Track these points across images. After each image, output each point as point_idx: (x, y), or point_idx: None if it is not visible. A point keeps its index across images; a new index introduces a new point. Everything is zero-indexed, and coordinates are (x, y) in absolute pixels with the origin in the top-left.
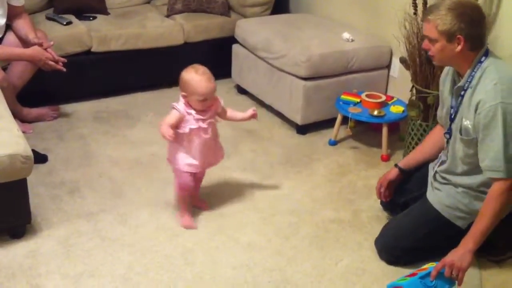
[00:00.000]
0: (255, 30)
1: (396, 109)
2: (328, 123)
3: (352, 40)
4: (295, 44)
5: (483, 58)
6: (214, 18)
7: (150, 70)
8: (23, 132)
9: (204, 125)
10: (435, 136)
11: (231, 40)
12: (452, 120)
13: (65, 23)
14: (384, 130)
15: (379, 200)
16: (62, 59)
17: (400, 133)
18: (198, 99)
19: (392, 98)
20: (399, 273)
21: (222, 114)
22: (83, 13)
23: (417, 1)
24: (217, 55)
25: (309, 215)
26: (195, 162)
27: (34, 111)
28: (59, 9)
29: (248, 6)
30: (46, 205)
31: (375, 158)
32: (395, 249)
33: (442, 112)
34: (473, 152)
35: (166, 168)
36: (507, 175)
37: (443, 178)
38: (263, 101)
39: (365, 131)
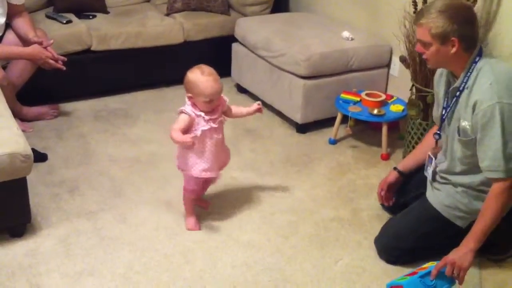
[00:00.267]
0: (255, 29)
1: (396, 108)
2: (328, 122)
3: (352, 39)
4: (295, 43)
5: (477, 58)
6: (214, 16)
7: (150, 68)
8: (23, 131)
9: (215, 125)
10: (431, 137)
11: (231, 39)
12: (443, 121)
13: (65, 21)
14: (384, 129)
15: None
16: (62, 57)
17: (400, 132)
18: (204, 100)
19: (392, 97)
20: (398, 272)
21: (228, 113)
22: (83, 12)
23: (417, 0)
24: (216, 54)
25: (309, 214)
26: (209, 166)
27: (34, 110)
28: (59, 8)
29: (248, 5)
30: (46, 204)
31: (375, 157)
32: (395, 248)
33: (438, 113)
34: (472, 153)
35: (165, 166)
36: (507, 174)
37: (443, 178)
38: (263, 100)
39: (365, 130)
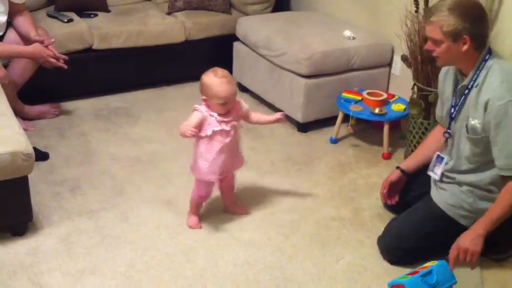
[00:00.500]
0: (256, 27)
1: (398, 107)
2: (329, 121)
3: (354, 38)
4: (296, 42)
5: (487, 57)
6: (215, 15)
7: (151, 67)
8: (24, 129)
9: (226, 127)
10: (436, 136)
11: (232, 37)
12: (452, 119)
13: (66, 20)
14: (385, 128)
15: (381, 198)
16: (63, 56)
17: (401, 131)
18: (218, 103)
19: (393, 96)
20: (400, 271)
21: (247, 117)
22: (84, 11)
23: None
24: (218, 53)
25: (310, 212)
26: (211, 169)
27: (35, 109)
28: (60, 7)
29: (249, 4)
30: (47, 202)
31: (376, 156)
32: (398, 248)
33: (442, 112)
34: (481, 151)
35: (166, 165)
36: None
37: (447, 177)
38: (264, 99)
39: (366, 129)
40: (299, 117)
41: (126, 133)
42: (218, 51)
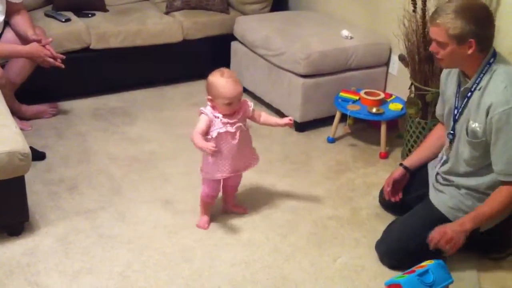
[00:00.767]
0: (254, 27)
1: (395, 107)
2: (326, 121)
3: (351, 38)
4: (294, 42)
5: (491, 60)
6: (213, 15)
7: (149, 67)
8: (22, 129)
9: (231, 129)
10: (438, 134)
11: (230, 37)
12: (456, 121)
13: (63, 20)
14: (383, 128)
15: (377, 198)
16: (61, 55)
17: (398, 130)
18: (223, 103)
19: (391, 95)
20: (397, 270)
21: (256, 118)
22: (82, 10)
23: None
24: (216, 53)
25: (308, 212)
26: (221, 169)
27: (33, 108)
28: (58, 6)
29: (248, 3)
30: (44, 202)
31: (373, 156)
32: (399, 252)
33: (443, 111)
34: (480, 154)
35: (164, 165)
36: None
37: (445, 179)
38: (262, 99)
39: (363, 129)
40: (297, 116)
41: (124, 132)
42: (216, 50)
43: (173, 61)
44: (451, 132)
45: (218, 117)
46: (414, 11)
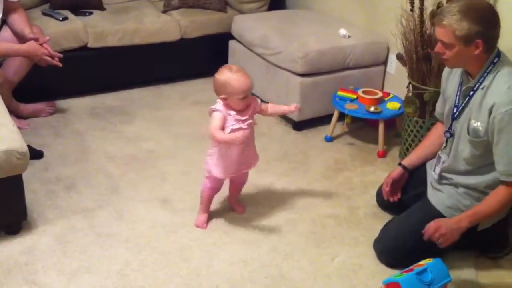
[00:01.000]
0: (252, 26)
1: (393, 106)
2: (324, 120)
3: (349, 37)
4: (291, 41)
5: (496, 60)
6: (211, 14)
7: (147, 66)
8: (19, 128)
9: (244, 125)
10: (437, 133)
11: (228, 36)
12: (454, 119)
13: (61, 18)
14: (381, 127)
15: (375, 197)
16: (58, 54)
17: (396, 129)
18: (238, 98)
19: (388, 94)
20: (395, 269)
21: (264, 111)
22: (79, 9)
23: None
24: (213, 51)
25: (306, 211)
26: (229, 167)
27: (30, 107)
28: (55, 5)
29: (245, 2)
30: (42, 201)
31: (371, 155)
32: (396, 250)
33: (443, 110)
34: (480, 153)
35: (162, 164)
36: None
37: (444, 178)
38: (260, 98)
39: (361, 128)
40: (294, 115)
41: (122, 131)
42: (214, 49)
43: (170, 60)
44: (449, 130)
45: (230, 114)
46: (411, 10)
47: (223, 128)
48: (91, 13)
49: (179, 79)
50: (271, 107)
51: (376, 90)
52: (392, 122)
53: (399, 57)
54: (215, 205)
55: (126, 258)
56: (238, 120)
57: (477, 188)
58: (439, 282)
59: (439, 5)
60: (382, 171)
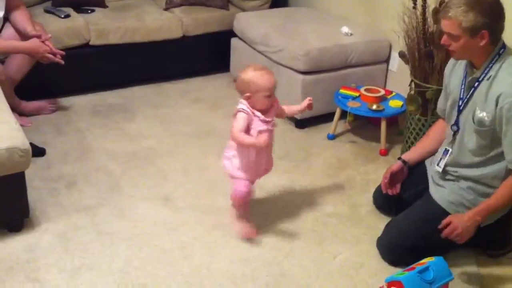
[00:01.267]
0: (254, 24)
1: (395, 104)
2: (326, 118)
3: (351, 34)
4: (293, 38)
5: (501, 51)
6: (213, 11)
7: (149, 63)
8: (22, 125)
9: (270, 126)
10: (438, 129)
11: (230, 33)
12: (460, 111)
13: (63, 16)
14: (383, 125)
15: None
16: (60, 51)
17: (399, 127)
18: (264, 95)
19: (391, 92)
20: (397, 267)
21: (282, 113)
22: (81, 6)
23: None
24: (215, 49)
25: (307, 209)
26: (257, 169)
27: (32, 105)
28: (57, 2)
29: (247, 0)
30: (44, 198)
31: (373, 153)
32: (399, 248)
33: (445, 105)
34: (487, 143)
35: (163, 162)
36: None
37: (448, 172)
38: None
39: (363, 126)
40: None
41: (123, 129)
42: (216, 47)
43: (172, 58)
44: (456, 124)
45: (256, 115)
46: (414, 7)
47: (247, 130)
48: (93, 11)
49: (181, 77)
50: (287, 109)
51: (378, 88)
52: (394, 120)
53: (401, 55)
54: (214, 202)
55: (127, 255)
56: (264, 121)
57: (481, 181)
58: (441, 280)
59: (441, 2)
60: (384, 169)
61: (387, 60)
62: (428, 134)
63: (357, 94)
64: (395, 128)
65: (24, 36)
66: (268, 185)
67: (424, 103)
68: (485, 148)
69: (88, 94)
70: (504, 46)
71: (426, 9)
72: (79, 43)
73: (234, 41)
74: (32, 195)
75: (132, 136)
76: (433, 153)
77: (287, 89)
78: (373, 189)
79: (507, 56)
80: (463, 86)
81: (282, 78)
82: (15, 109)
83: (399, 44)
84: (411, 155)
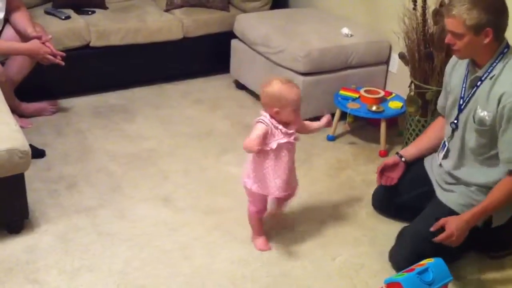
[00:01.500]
0: (254, 25)
1: (395, 105)
2: None
3: (351, 35)
4: (294, 39)
5: (505, 50)
6: (213, 13)
7: (149, 64)
8: (22, 127)
9: (291, 139)
10: (437, 127)
11: (230, 35)
12: (461, 110)
13: (63, 17)
14: (383, 126)
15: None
16: (61, 53)
17: (398, 128)
18: (292, 109)
19: (390, 93)
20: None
21: (303, 128)
22: (82, 8)
23: None
24: (216, 50)
25: (307, 210)
26: (285, 183)
27: (33, 106)
28: (58, 4)
29: (248, 1)
30: (44, 200)
31: (373, 154)
32: (414, 257)
33: (445, 103)
34: (486, 142)
35: (164, 162)
36: None
37: (453, 176)
38: None
39: (363, 127)
40: None
41: (124, 130)
42: (216, 48)
43: (173, 59)
44: (455, 121)
45: (278, 128)
46: (414, 9)
47: (265, 143)
48: (93, 12)
49: (181, 78)
50: (307, 125)
51: (378, 89)
52: (394, 121)
53: (401, 56)
54: (214, 203)
55: (127, 256)
56: (285, 134)
57: (487, 186)
58: (440, 281)
59: (441, 4)
60: None
61: (387, 61)
62: (427, 131)
63: (356, 95)
64: (395, 129)
65: (24, 38)
66: None
67: (424, 104)
68: (484, 147)
69: (89, 96)
70: (507, 45)
71: (426, 11)
72: (79, 45)
73: (234, 43)
74: (32, 197)
75: (132, 137)
76: (431, 150)
77: None
78: (373, 190)
79: (511, 56)
80: (464, 85)
81: None
82: (15, 111)
83: (399, 45)
84: (409, 150)
